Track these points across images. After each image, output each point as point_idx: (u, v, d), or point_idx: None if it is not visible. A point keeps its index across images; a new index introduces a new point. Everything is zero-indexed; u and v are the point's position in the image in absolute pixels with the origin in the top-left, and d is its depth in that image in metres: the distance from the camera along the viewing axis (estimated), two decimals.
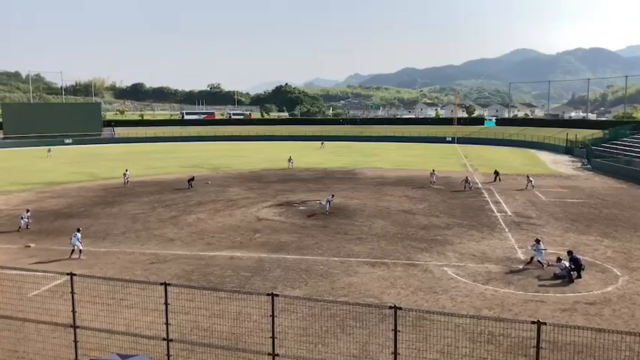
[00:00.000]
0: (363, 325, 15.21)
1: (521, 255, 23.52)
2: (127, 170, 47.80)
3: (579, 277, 19.90)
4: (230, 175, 53.26)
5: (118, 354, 10.51)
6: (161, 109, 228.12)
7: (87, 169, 58.83)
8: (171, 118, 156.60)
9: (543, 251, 21.85)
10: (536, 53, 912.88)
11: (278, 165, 61.36)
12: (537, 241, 22.39)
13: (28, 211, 29.67)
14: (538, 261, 21.67)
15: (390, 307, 10.84)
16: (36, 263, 22.19)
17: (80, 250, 23.26)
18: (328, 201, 33.41)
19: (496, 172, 48.80)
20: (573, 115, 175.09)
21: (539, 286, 19.35)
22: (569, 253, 20.71)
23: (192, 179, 44.25)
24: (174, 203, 36.73)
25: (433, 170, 46.47)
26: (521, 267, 21.72)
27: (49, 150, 77.50)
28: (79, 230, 24.26)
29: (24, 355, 13.28)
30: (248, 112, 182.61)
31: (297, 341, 13.84)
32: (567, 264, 20.13)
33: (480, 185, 45.07)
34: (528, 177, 44.65)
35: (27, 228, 28.57)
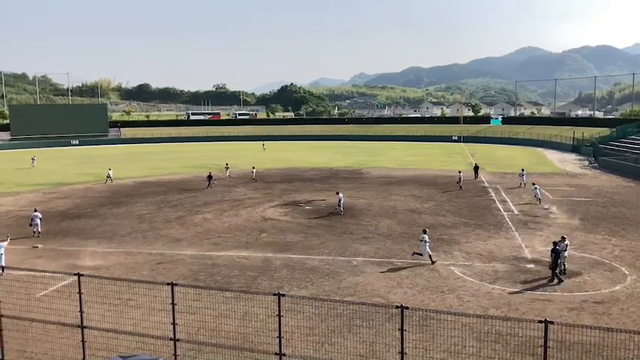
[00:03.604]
0: (369, 325, 15.19)
1: (528, 254, 23.43)
2: (110, 169, 49.40)
3: (558, 277, 19.46)
4: (236, 175, 53.32)
5: (120, 356, 10.49)
6: (167, 110, 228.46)
7: (93, 169, 59.03)
8: (177, 118, 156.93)
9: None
10: (542, 51, 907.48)
11: (282, 165, 61.47)
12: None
13: (36, 210, 28.59)
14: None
15: (397, 307, 10.82)
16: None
17: (430, 255, 21.88)
18: (340, 201, 33.04)
19: (476, 168, 48.21)
20: (580, 113, 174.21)
21: (547, 285, 19.27)
22: (554, 244, 19.97)
23: (210, 177, 44.59)
24: (180, 203, 36.84)
25: (253, 167, 49.95)
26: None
27: (33, 158, 64.57)
28: (425, 232, 22.77)
29: (32, 356, 13.36)
30: (254, 112, 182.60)
31: (303, 341, 13.86)
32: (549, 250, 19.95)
33: (486, 184, 44.89)
34: (522, 170, 44.08)
35: (35, 235, 27.26)
